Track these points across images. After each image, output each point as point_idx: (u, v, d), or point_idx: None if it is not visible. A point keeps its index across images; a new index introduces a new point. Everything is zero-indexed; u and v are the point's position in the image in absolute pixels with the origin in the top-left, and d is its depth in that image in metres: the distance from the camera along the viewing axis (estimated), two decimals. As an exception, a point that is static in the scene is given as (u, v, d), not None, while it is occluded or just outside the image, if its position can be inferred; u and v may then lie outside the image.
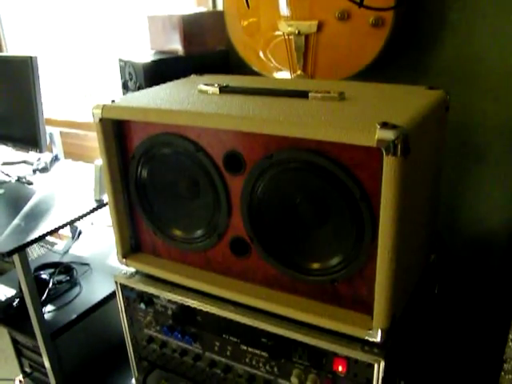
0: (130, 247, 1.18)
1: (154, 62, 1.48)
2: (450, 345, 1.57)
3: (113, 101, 1.05)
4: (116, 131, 1.08)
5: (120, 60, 1.60)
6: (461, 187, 1.50)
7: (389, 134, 0.75)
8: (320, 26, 1.34)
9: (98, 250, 2.20)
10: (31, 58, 1.97)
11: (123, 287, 1.19)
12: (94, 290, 1.90)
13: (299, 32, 1.36)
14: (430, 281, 1.18)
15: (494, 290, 1.51)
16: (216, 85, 1.06)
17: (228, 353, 1.08)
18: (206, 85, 1.08)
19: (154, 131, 1.03)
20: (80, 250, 2.20)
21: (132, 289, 1.17)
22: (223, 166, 0.97)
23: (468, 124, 1.42)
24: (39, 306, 1.64)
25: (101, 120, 1.04)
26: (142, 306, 1.16)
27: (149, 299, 1.15)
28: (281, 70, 1.45)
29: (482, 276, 1.52)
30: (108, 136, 1.07)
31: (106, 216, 2.23)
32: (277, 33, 1.40)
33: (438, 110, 0.98)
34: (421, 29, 1.40)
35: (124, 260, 1.17)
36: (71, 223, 1.70)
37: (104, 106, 1.03)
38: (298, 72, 1.41)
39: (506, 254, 1.47)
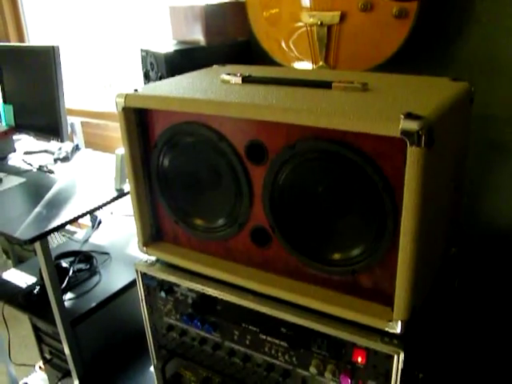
0: (151, 236, 1.19)
1: (175, 52, 1.49)
2: (470, 339, 1.56)
3: (135, 90, 1.06)
4: (138, 120, 1.08)
5: (142, 50, 1.61)
6: (482, 181, 1.48)
7: (413, 125, 0.74)
8: (343, 17, 1.33)
9: (117, 239, 2.22)
10: (53, 47, 1.99)
11: (144, 275, 1.20)
12: (114, 278, 1.91)
13: (321, 23, 1.35)
14: (451, 274, 1.17)
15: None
16: (238, 75, 1.06)
17: (247, 342, 1.08)
18: (228, 75, 1.08)
19: (176, 120, 1.04)
20: (100, 239, 2.22)
21: (152, 277, 1.18)
22: (245, 155, 0.97)
23: (491, 118, 1.40)
24: (60, 293, 1.66)
25: (124, 109, 1.05)
26: (163, 294, 1.17)
27: (169, 288, 1.16)
28: (302, 60, 1.45)
29: (502, 270, 1.51)
30: (130, 125, 1.07)
31: (125, 205, 2.25)
32: (299, 24, 1.40)
33: (462, 101, 0.97)
34: (445, 20, 1.39)
35: (145, 248, 1.18)
36: (92, 212, 1.72)
37: (127, 94, 1.03)
38: (320, 63, 1.41)
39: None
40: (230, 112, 0.92)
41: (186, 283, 1.12)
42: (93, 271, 1.96)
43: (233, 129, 0.97)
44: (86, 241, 2.21)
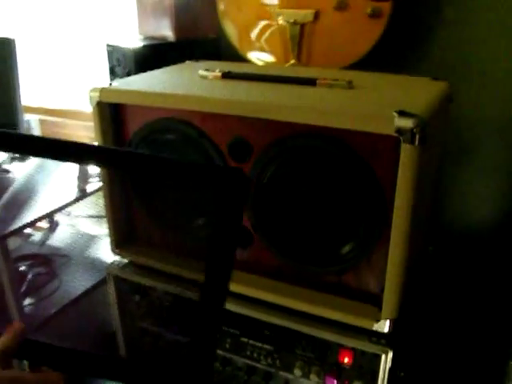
0: (124, 237, 1.14)
1: (144, 47, 1.45)
2: (450, 337, 1.57)
3: (110, 84, 1.01)
4: (113, 116, 1.04)
5: (108, 45, 1.55)
6: (449, 179, 1.50)
7: (408, 122, 0.74)
8: (316, 16, 1.32)
9: (76, 241, 2.14)
10: (9, 40, 1.90)
11: (116, 278, 1.15)
12: (75, 282, 1.84)
13: (295, 21, 1.34)
14: (429, 272, 1.18)
15: (489, 282, 1.52)
16: (217, 70, 1.03)
17: (227, 345, 1.05)
18: (206, 70, 1.05)
19: (153, 116, 1.00)
20: (58, 241, 2.14)
21: (125, 280, 1.13)
22: (228, 153, 0.94)
23: (460, 117, 1.42)
24: (20, 298, 1.58)
25: (98, 103, 1.00)
26: (136, 297, 1.13)
27: (143, 291, 1.12)
28: (273, 58, 1.43)
29: (473, 268, 1.53)
30: (104, 121, 1.03)
31: (86, 206, 2.17)
32: (271, 21, 1.38)
33: (444, 100, 0.98)
34: (417, 21, 1.40)
35: (117, 250, 1.13)
36: (54, 213, 1.65)
37: (102, 88, 0.99)
38: (292, 61, 1.39)
39: (495, 247, 1.48)
40: (216, 108, 0.88)
41: (161, 286, 1.08)
42: (52, 275, 1.88)
43: (215, 125, 0.94)
44: (44, 243, 2.12)
